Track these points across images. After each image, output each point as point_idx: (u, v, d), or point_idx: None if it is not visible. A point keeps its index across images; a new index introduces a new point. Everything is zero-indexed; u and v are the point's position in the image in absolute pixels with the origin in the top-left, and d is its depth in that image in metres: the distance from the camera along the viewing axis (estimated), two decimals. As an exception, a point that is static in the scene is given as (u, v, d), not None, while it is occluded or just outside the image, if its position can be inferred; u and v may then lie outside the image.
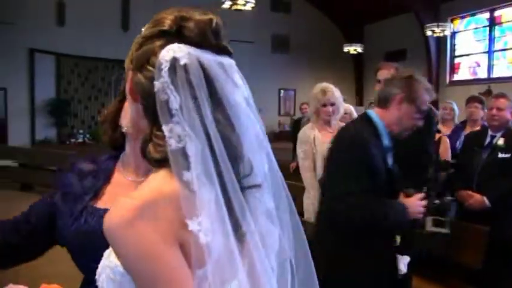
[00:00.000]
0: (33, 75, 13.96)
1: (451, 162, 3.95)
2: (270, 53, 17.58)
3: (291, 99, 18.10)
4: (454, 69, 15.70)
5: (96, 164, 1.33)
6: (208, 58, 0.86)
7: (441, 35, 14.53)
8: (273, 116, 17.61)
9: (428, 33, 14.49)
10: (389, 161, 2.37)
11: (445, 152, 4.11)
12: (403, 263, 2.34)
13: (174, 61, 0.83)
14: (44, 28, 13.61)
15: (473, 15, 14.95)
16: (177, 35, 0.87)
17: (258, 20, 15.89)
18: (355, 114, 4.77)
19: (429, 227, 2.88)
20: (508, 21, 14.00)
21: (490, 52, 14.64)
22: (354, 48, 17.39)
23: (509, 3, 13.54)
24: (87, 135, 14.33)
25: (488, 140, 3.74)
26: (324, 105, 3.81)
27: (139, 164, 1.21)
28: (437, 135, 3.91)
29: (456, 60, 15.67)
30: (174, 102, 0.81)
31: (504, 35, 14.25)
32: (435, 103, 6.75)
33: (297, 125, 7.62)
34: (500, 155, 3.61)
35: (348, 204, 2.22)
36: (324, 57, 17.63)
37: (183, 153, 0.81)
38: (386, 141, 2.35)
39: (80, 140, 14.06)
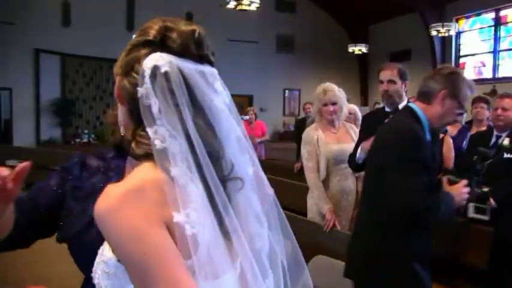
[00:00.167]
0: (38, 75, 13.97)
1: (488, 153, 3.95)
2: (275, 53, 17.55)
3: (295, 99, 18.07)
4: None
5: (105, 161, 1.33)
6: (189, 67, 0.92)
7: (446, 35, 14.45)
8: (278, 116, 17.60)
9: (433, 33, 14.42)
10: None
11: (448, 152, 4.11)
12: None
13: (155, 69, 0.89)
14: (49, 28, 13.64)
15: (478, 15, 14.89)
16: (160, 44, 0.94)
17: (263, 20, 15.87)
18: (359, 115, 4.77)
19: (471, 213, 2.89)
20: (514, 21, 13.94)
21: (495, 52, 14.58)
22: (358, 49, 17.34)
23: (515, 3, 13.48)
24: (92, 136, 14.33)
25: (493, 140, 3.73)
26: (325, 105, 3.82)
27: None
28: (440, 135, 3.91)
29: (461, 60, 15.61)
30: (155, 107, 0.88)
31: (509, 35, 14.18)
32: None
33: (300, 124, 7.63)
34: (506, 155, 3.59)
35: (423, 199, 2.19)
36: (328, 57, 17.58)
37: (168, 151, 0.87)
38: (428, 136, 2.35)
39: (85, 140, 14.06)
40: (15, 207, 1.22)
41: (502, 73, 14.34)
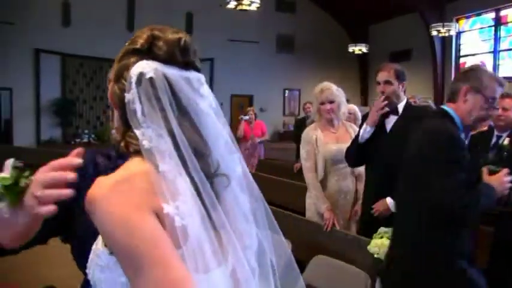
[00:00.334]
0: (38, 75, 14.00)
1: None
2: (275, 53, 17.56)
3: (295, 99, 18.07)
4: (459, 69, 15.60)
5: (111, 160, 1.33)
6: (174, 73, 0.98)
7: (446, 35, 14.46)
8: (278, 116, 17.61)
9: (434, 33, 14.43)
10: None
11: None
12: None
13: (141, 75, 0.96)
14: (49, 28, 13.66)
15: (478, 15, 14.89)
16: (148, 52, 1.00)
17: (263, 20, 15.88)
18: (359, 114, 4.76)
19: None
20: (514, 21, 13.94)
21: (495, 52, 14.59)
22: (359, 48, 17.36)
23: (515, 3, 13.48)
24: (92, 136, 14.36)
25: (494, 140, 3.72)
26: (322, 103, 3.82)
27: None
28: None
29: (461, 60, 15.60)
30: (139, 111, 0.94)
31: (510, 35, 14.18)
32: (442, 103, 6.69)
33: (300, 124, 7.61)
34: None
35: (459, 197, 2.14)
36: (328, 57, 17.60)
37: (156, 150, 0.92)
38: (463, 135, 2.34)
39: (85, 140, 14.08)
40: None
41: (502, 73, 14.30)
